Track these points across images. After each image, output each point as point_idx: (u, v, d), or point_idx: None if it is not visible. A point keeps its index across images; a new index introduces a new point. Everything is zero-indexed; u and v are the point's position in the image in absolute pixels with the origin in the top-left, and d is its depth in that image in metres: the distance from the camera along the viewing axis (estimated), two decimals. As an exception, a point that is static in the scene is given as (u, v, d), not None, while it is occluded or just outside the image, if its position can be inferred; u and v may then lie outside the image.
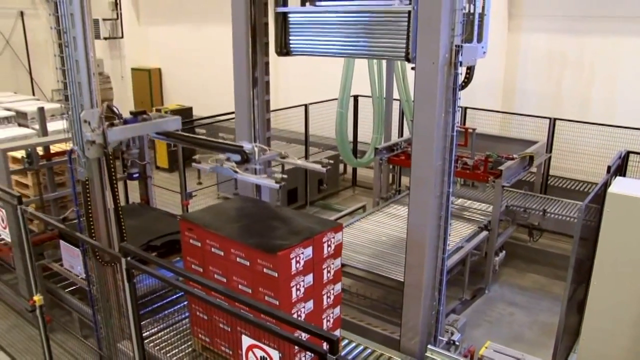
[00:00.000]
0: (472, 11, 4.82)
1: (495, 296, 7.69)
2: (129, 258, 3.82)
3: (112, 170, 4.74)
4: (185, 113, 14.03)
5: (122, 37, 17.56)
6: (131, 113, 4.99)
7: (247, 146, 4.60)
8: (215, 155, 4.69)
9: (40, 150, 6.85)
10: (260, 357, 3.07)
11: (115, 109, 4.83)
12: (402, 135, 11.06)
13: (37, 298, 5.02)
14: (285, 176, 4.20)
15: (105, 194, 4.73)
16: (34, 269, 5.06)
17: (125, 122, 4.87)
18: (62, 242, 4.84)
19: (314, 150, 11.39)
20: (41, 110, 7.41)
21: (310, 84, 12.85)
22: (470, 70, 5.05)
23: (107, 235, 4.86)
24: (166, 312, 5.69)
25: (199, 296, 3.47)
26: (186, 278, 3.89)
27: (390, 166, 9.00)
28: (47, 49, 17.55)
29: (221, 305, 3.18)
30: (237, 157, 4.56)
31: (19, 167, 6.74)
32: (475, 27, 4.92)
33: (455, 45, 4.40)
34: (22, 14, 16.89)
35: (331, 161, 4.64)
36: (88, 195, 4.67)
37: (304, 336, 3.34)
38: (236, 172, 4.34)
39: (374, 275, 6.50)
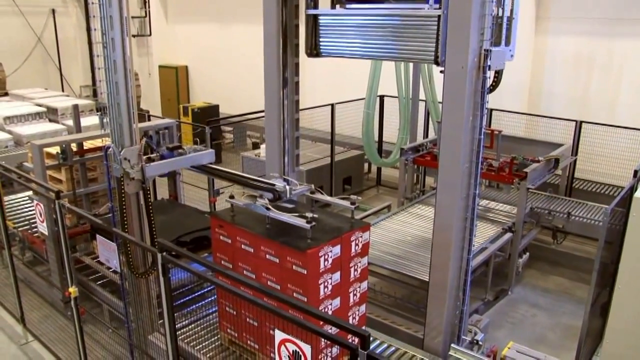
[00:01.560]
0: (500, 15, 4.86)
1: (518, 298, 7.71)
2: (164, 253, 3.94)
3: (148, 197, 4.96)
4: (212, 111, 14.23)
5: (150, 34, 17.83)
6: (167, 148, 5.21)
7: (279, 184, 4.79)
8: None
9: (73, 147, 7.03)
10: (292, 351, 3.17)
11: (152, 144, 5.07)
12: (427, 136, 11.10)
13: (73, 290, 5.16)
14: (316, 216, 4.33)
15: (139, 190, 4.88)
16: (70, 262, 5.21)
17: (162, 156, 5.09)
18: (98, 236, 4.98)
19: (339, 149, 11.47)
20: (76, 107, 7.58)
21: (334, 83, 12.95)
22: (498, 74, 5.09)
23: (140, 230, 5.00)
24: (194, 306, 5.83)
25: (231, 290, 3.58)
26: (220, 273, 4.01)
27: (415, 166, 9.05)
28: (76, 46, 17.91)
29: (255, 301, 3.28)
30: (270, 195, 4.74)
31: (53, 163, 6.92)
32: (504, 31, 4.95)
33: (484, 50, 4.46)
34: (53, 11, 17.22)
35: (359, 197, 4.81)
36: (123, 191, 4.82)
37: (332, 332, 3.43)
38: (269, 209, 4.50)
39: (398, 274, 6.57)
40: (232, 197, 4.80)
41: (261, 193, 4.80)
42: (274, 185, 4.81)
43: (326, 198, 4.97)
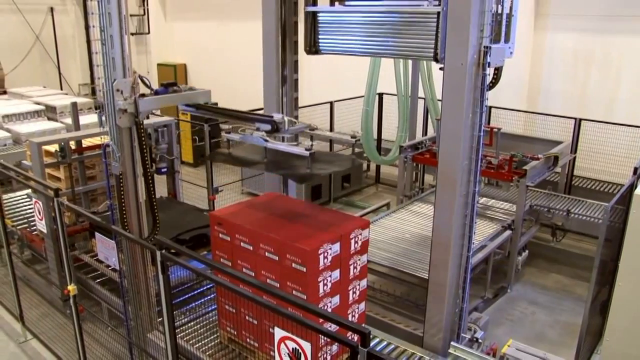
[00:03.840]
0: (500, 12, 4.84)
1: (518, 295, 7.71)
2: (163, 250, 3.93)
3: (143, 138, 4.75)
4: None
5: (148, 32, 17.79)
6: (162, 84, 5.03)
7: (277, 116, 4.63)
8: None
9: (72, 144, 7.01)
10: (292, 348, 3.16)
11: (146, 80, 4.89)
12: (426, 134, 11.09)
13: (71, 288, 5.15)
14: (314, 143, 4.21)
15: (138, 187, 4.85)
16: (69, 260, 5.20)
17: (156, 92, 4.92)
18: (97, 234, 4.96)
19: (338, 147, 11.45)
20: (74, 105, 7.56)
21: (333, 81, 12.91)
22: (497, 71, 5.07)
23: (139, 228, 4.98)
24: (193, 304, 5.82)
25: (230, 288, 3.57)
26: (219, 270, 4.00)
27: (414, 164, 9.04)
28: (75, 44, 17.86)
29: (255, 298, 3.27)
30: (267, 127, 4.56)
31: (52, 161, 6.90)
32: (503, 28, 4.93)
33: (484, 46, 4.44)
34: (52, 9, 17.18)
35: (358, 133, 4.74)
36: (122, 188, 4.80)
37: (331, 330, 3.42)
38: (266, 140, 4.36)
39: (397, 272, 6.56)
40: (228, 132, 4.65)
41: (258, 126, 4.64)
42: (272, 117, 4.65)
43: (326, 133, 4.87)
